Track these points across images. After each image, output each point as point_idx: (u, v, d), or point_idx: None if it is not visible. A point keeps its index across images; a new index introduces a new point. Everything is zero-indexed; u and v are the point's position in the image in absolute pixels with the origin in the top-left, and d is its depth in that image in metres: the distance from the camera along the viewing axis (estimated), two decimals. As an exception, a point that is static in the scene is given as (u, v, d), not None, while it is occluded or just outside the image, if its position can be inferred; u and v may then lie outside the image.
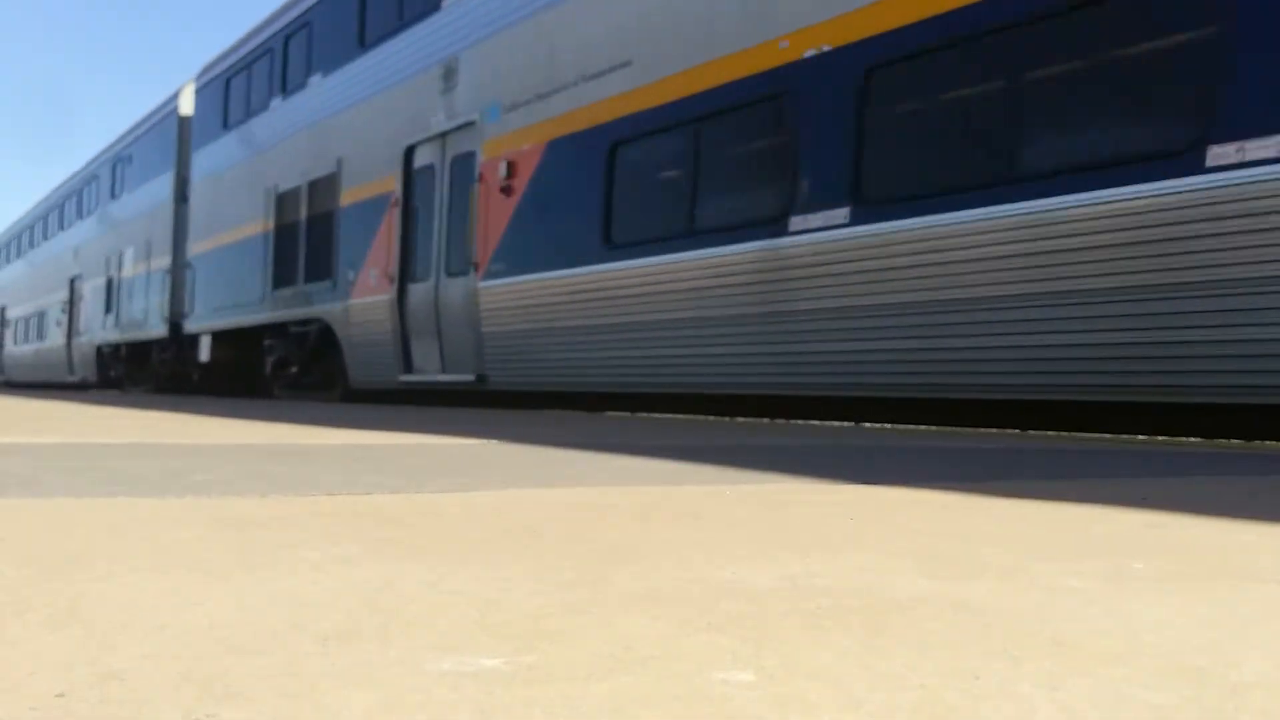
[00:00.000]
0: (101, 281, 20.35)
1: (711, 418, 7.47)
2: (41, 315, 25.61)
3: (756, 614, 1.01)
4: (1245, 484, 2.66)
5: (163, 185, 17.25)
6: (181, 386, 16.53)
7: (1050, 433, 5.59)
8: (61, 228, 24.66)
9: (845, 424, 6.64)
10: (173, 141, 16.98)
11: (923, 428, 6.00)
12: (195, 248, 15.58)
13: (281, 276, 12.49)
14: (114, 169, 20.65)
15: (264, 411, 6.96)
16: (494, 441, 3.77)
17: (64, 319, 23.14)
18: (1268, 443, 4.74)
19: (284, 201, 12.67)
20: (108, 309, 19.78)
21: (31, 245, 28.34)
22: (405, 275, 9.91)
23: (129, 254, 18.80)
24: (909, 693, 0.76)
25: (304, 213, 12.10)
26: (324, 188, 11.63)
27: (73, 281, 22.66)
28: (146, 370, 18.08)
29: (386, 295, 10.10)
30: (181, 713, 0.68)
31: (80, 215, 23.00)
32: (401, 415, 6.71)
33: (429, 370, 9.64)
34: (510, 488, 2.19)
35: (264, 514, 1.66)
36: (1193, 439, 5.12)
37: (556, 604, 1.04)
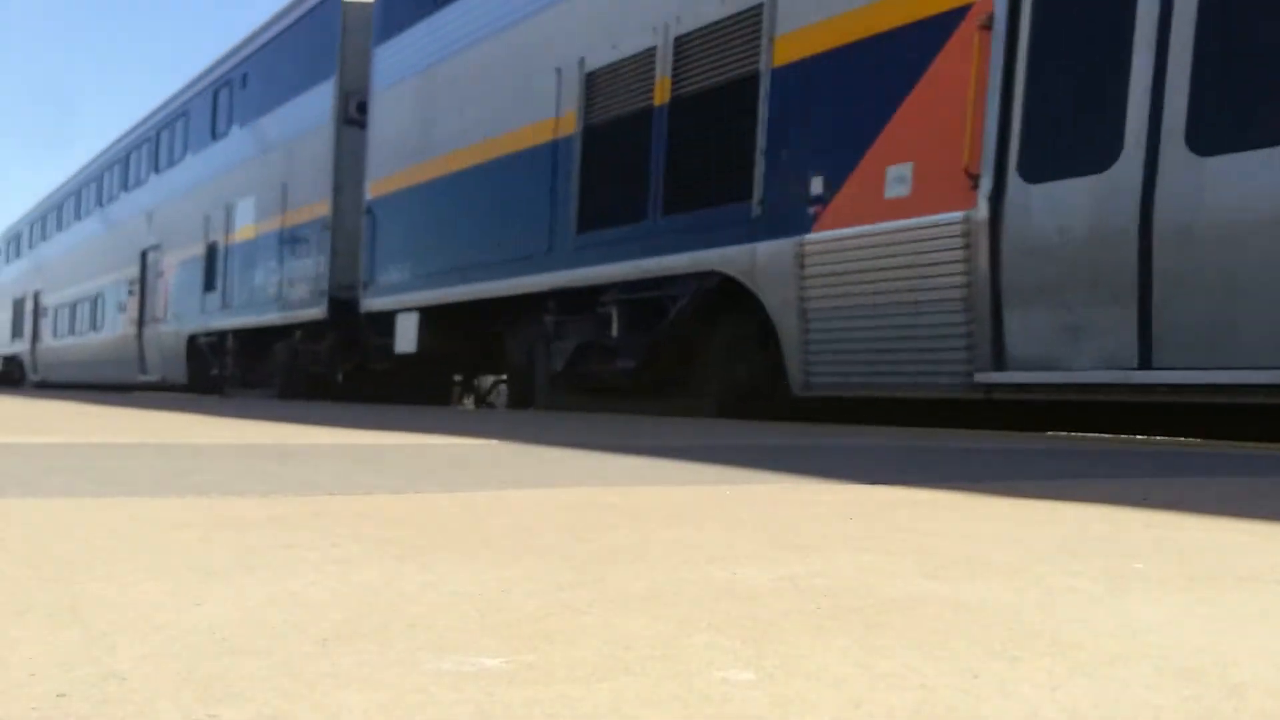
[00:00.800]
0: (195, 250, 15.20)
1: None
2: (95, 299, 20.19)
3: (756, 614, 1.01)
4: (1245, 484, 2.66)
5: (312, 105, 12.15)
6: (332, 389, 11.76)
7: (1050, 433, 5.59)
8: (126, 189, 19.28)
9: (843, 425, 6.64)
10: (332, 41, 11.76)
11: (922, 428, 5.99)
12: (382, 186, 10.56)
13: (599, 208, 7.68)
14: (215, 100, 15.17)
15: (267, 412, 6.96)
16: (494, 441, 3.77)
17: (131, 302, 17.94)
18: (1268, 443, 4.74)
19: (601, 84, 7.70)
20: (208, 285, 14.64)
21: (78, 216, 22.50)
22: (1004, 167, 5.01)
23: (245, 208, 13.75)
24: (909, 693, 0.76)
25: (661, 94, 7.12)
26: (714, 43, 6.76)
27: (145, 254, 17.50)
28: (268, 367, 13.31)
29: (952, 214, 5.17)
30: (181, 713, 0.68)
31: (157, 169, 17.53)
32: (402, 415, 6.71)
33: (1084, 360, 4.84)
34: (510, 488, 2.19)
35: (264, 514, 1.66)
36: (1193, 439, 5.11)
37: (556, 604, 1.04)
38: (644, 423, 5.91)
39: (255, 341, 13.51)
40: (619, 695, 0.74)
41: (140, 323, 17.55)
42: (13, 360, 27.29)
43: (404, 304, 10.01)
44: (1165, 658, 0.88)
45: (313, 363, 12.07)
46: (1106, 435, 5.45)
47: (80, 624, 0.91)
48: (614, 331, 7.60)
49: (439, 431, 4.50)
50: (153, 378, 16.95)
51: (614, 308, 7.60)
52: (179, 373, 15.81)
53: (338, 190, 11.47)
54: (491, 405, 12.31)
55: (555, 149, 8.14)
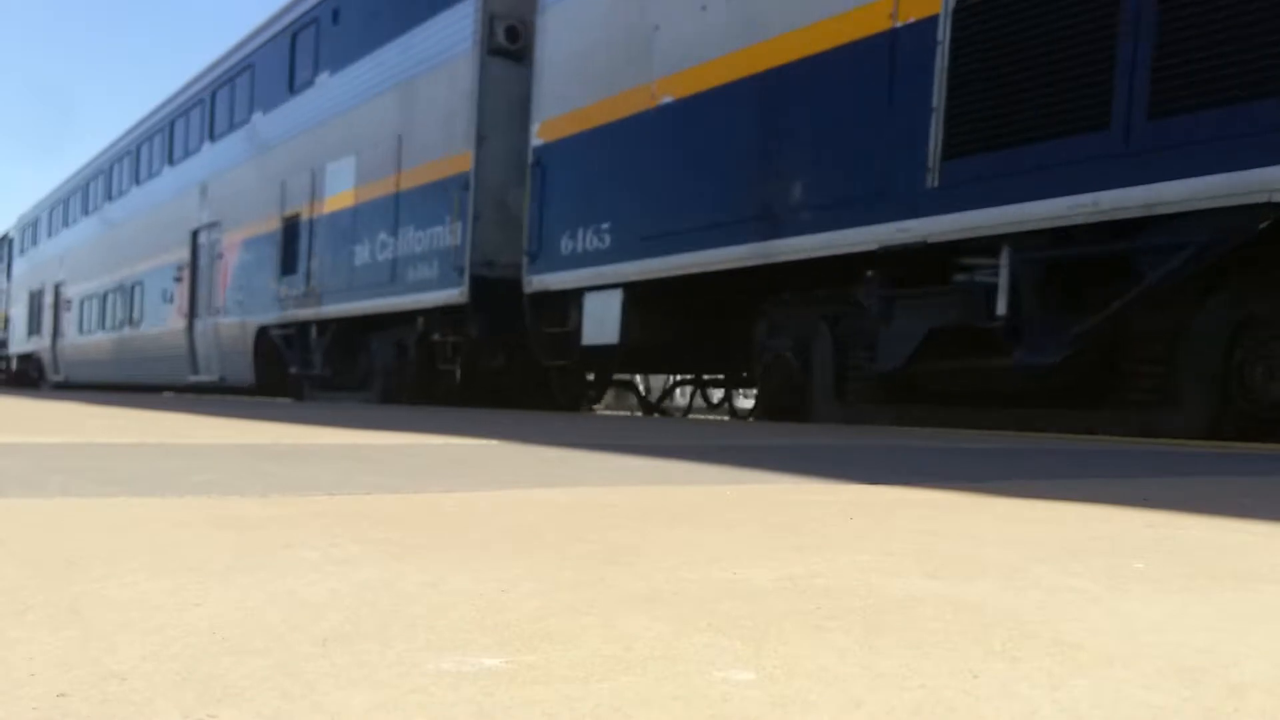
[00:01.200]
0: (267, 225, 12.77)
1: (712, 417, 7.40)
2: (133, 289, 17.64)
3: (756, 614, 1.01)
4: (1245, 484, 2.66)
5: (441, 35, 9.65)
6: (454, 392, 9.57)
7: (1050, 433, 5.59)
8: (171, 162, 16.60)
9: (841, 424, 6.63)
10: None
11: (922, 428, 5.99)
12: (558, 127, 8.12)
13: (991, 122, 5.15)
14: (293, 46, 12.51)
15: (266, 411, 6.96)
16: (494, 441, 3.77)
17: (180, 290, 15.38)
18: (1268, 443, 4.74)
19: None
20: (285, 267, 12.18)
21: (109, 197, 19.88)
22: None
23: (340, 171, 11.14)
24: (909, 693, 0.76)
25: None
26: None
27: (196, 235, 15.02)
28: (362, 365, 11.12)
29: None
30: (181, 713, 0.68)
31: (212, 136, 14.90)
32: (401, 415, 6.71)
33: None
34: (510, 488, 2.19)
35: (264, 514, 1.66)
36: (1193, 439, 5.11)
37: (557, 604, 1.04)
38: (643, 423, 5.91)
39: (349, 334, 11.15)
40: (619, 695, 0.74)
41: (191, 314, 14.89)
42: (29, 359, 24.98)
43: (598, 279, 7.46)
44: (1165, 658, 0.88)
45: (441, 359, 9.53)
46: (1106, 435, 5.45)
47: (80, 624, 0.91)
48: (1002, 309, 5.11)
49: (441, 432, 4.51)
50: (207, 378, 14.33)
51: (1006, 271, 5.08)
52: (243, 372, 13.31)
53: (481, 139, 9.01)
54: (665, 412, 10.15)
55: (893, 43, 5.57)
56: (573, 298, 7.93)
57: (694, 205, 6.80)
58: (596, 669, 0.80)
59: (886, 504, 2.01)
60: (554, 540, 1.46)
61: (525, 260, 8.40)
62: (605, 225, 7.51)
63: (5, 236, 28.62)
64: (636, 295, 7.34)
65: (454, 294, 9.12)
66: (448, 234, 9.24)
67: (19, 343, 25.79)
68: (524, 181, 8.63)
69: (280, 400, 11.84)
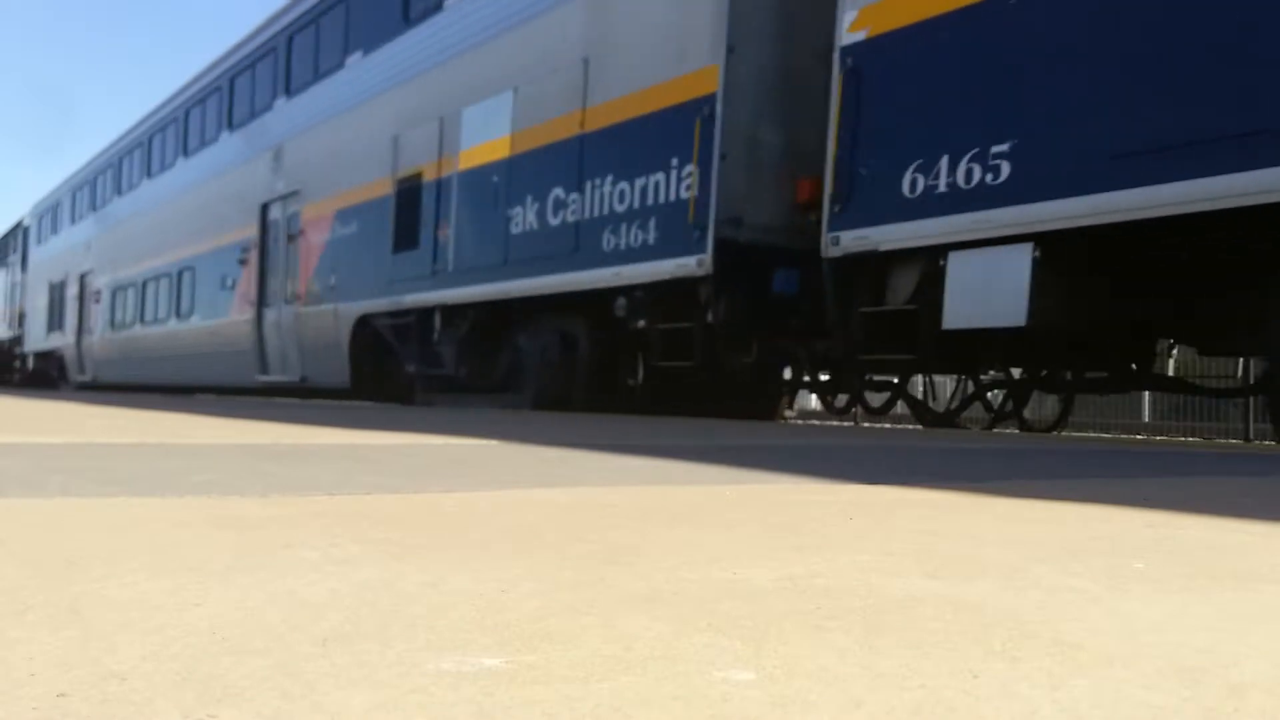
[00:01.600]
0: (372, 191, 10.36)
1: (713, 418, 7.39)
2: (179, 276, 15.22)
3: (756, 614, 1.01)
4: (1245, 484, 2.66)
5: None
6: (634, 397, 7.68)
7: (1049, 433, 5.59)
8: (229, 126, 14.13)
9: (846, 424, 6.62)
10: None
11: (922, 428, 5.98)
12: (888, 13, 5.71)
13: None
14: None
15: (266, 411, 6.96)
16: (493, 442, 3.77)
17: (246, 275, 12.98)
18: (1268, 443, 4.73)
19: None
20: (400, 242, 9.79)
21: (149, 172, 17.25)
22: None
23: (484, 115, 8.76)
24: (909, 693, 0.76)
25: None
26: None
27: (266, 209, 12.61)
28: (501, 362, 8.89)
29: None
30: (181, 713, 0.68)
31: (288, 91, 12.48)
32: (401, 415, 6.70)
33: None
34: (510, 488, 2.19)
35: (264, 514, 1.66)
36: (1193, 439, 5.11)
37: (557, 604, 1.04)
38: (643, 423, 5.91)
39: (488, 323, 8.87)
40: (619, 695, 0.74)
41: (260, 302, 12.52)
42: (49, 357, 22.43)
43: (984, 229, 5.08)
44: (1165, 658, 0.88)
45: (654, 353, 7.20)
46: (1106, 435, 5.45)
47: (80, 624, 0.91)
48: None
49: (440, 432, 4.51)
50: (282, 378, 12.06)
51: None
52: (332, 371, 10.93)
53: (730, 50, 6.53)
54: (958, 426, 7.08)
55: None
56: (920, 260, 5.54)
57: (1216, 97, 4.30)
58: (596, 669, 0.80)
59: (886, 504, 2.01)
60: (554, 540, 1.46)
61: (828, 208, 5.89)
62: (1001, 147, 5.03)
63: (20, 225, 26.06)
64: (1051, 254, 4.91)
65: (689, 263, 6.65)
66: (676, 182, 6.79)
67: (37, 340, 23.19)
68: (779, 112, 6.67)
69: (339, 404, 10.37)
